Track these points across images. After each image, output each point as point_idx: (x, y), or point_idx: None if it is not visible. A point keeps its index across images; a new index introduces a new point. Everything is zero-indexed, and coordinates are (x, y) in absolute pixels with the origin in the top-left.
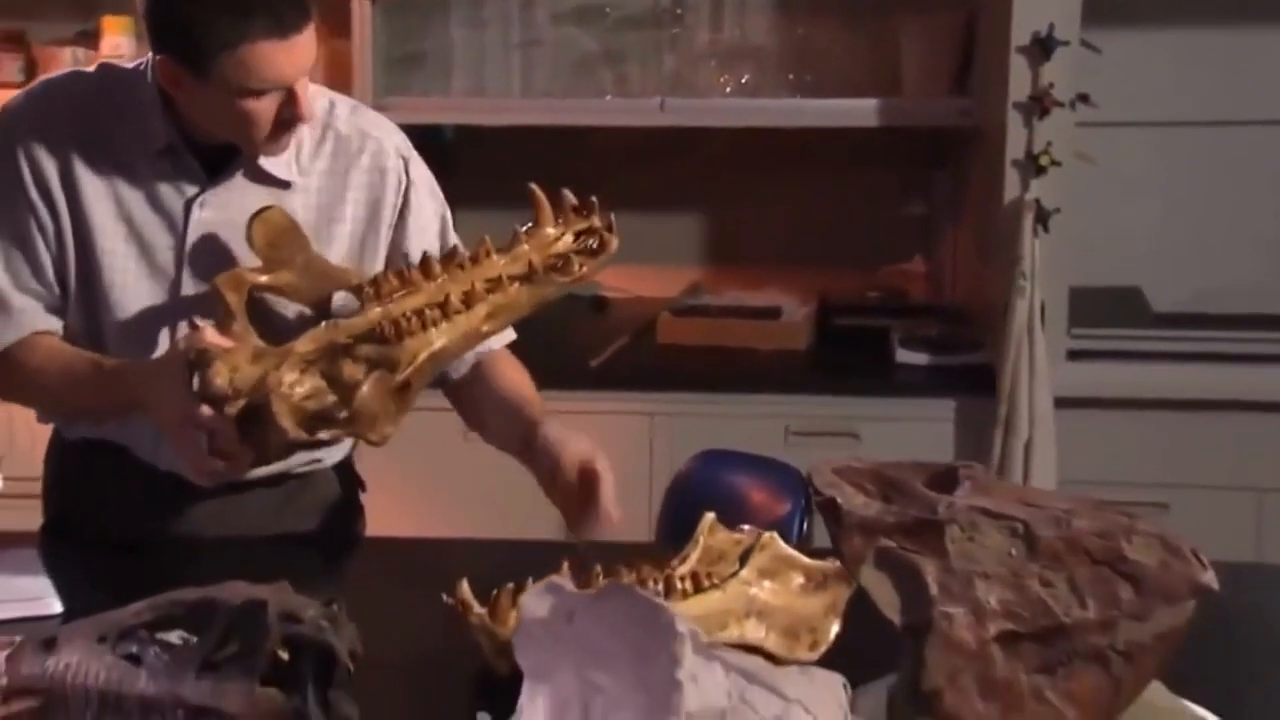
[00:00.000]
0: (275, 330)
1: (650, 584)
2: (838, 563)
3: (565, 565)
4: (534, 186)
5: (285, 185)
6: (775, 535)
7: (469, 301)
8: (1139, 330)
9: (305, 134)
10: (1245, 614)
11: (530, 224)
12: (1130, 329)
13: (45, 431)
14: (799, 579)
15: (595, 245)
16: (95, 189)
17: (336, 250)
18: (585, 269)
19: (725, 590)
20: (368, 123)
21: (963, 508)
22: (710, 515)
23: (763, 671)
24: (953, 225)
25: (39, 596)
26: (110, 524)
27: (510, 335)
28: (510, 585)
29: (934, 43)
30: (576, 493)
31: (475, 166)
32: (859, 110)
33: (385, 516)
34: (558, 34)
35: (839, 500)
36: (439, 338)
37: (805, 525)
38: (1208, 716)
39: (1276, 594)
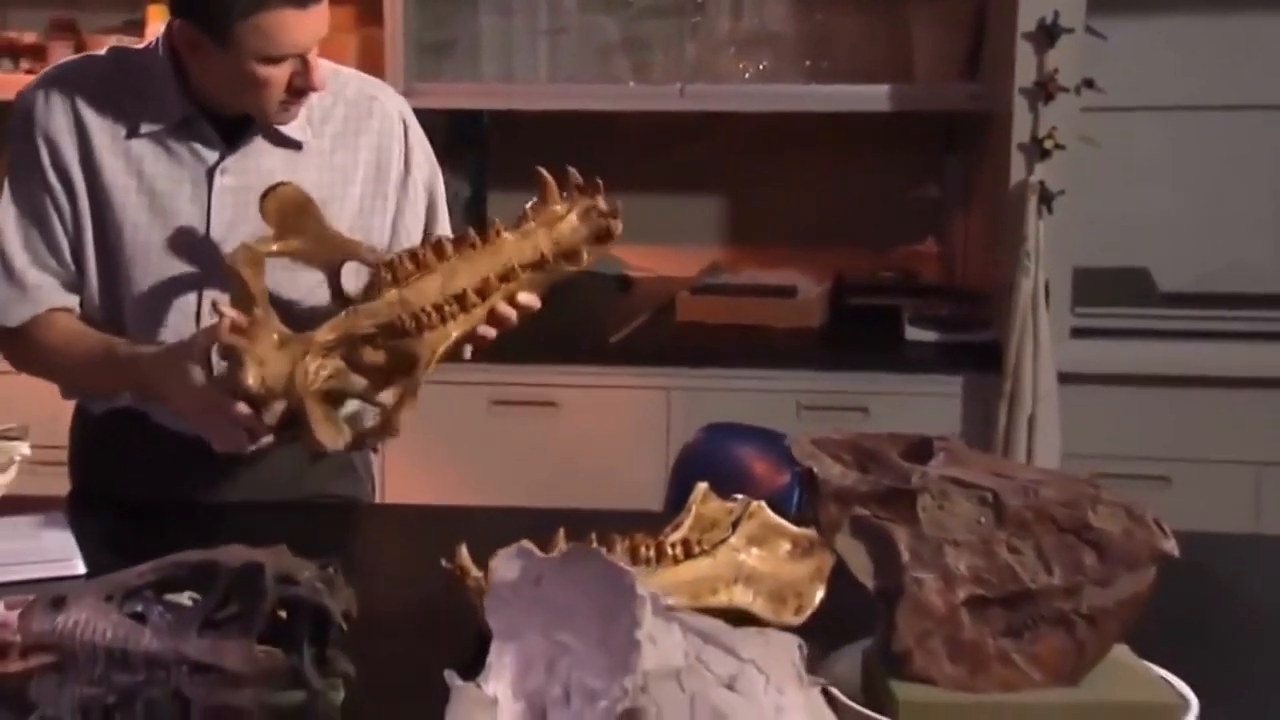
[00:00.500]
0: (290, 313)
1: (643, 550)
2: None
3: (561, 532)
4: (541, 169)
5: (298, 147)
6: (764, 504)
7: (484, 293)
8: (1142, 309)
9: (315, 99)
10: (1229, 584)
11: (536, 200)
12: (1134, 308)
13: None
14: (786, 546)
15: (601, 231)
16: (115, 166)
17: (348, 209)
18: (590, 256)
19: (715, 556)
20: (373, 88)
21: (934, 478)
22: (703, 485)
23: (719, 633)
24: (964, 207)
25: (65, 558)
26: (134, 490)
27: None
28: None
29: (945, 30)
30: None
31: (507, 149)
32: (873, 96)
33: (409, 485)
34: (583, 21)
35: (816, 470)
36: (456, 329)
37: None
38: (1171, 679)
39: (1253, 564)
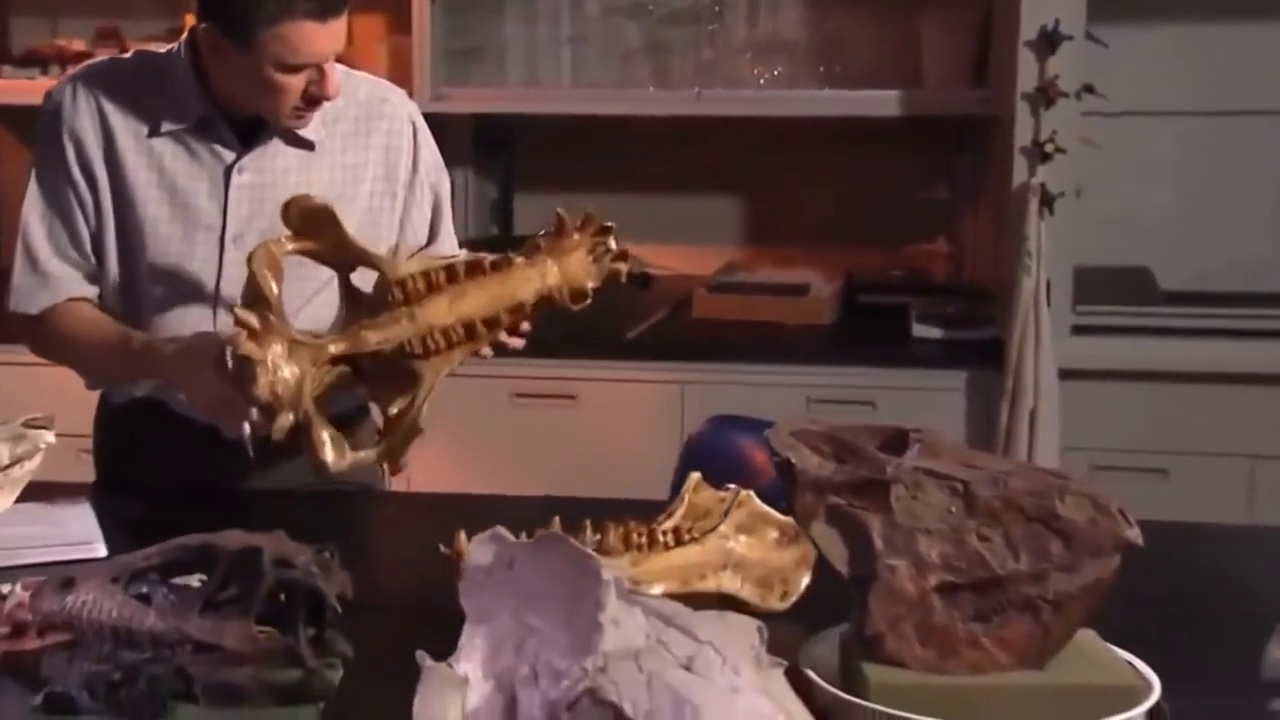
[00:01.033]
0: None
1: (635, 537)
2: None
3: (556, 520)
4: (560, 210)
5: (312, 147)
6: (753, 494)
7: (490, 324)
8: (1141, 307)
9: (328, 102)
10: (1214, 572)
11: (550, 231)
12: (1134, 306)
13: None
14: (773, 534)
15: (609, 271)
16: (137, 163)
17: (358, 206)
18: (601, 279)
19: (704, 544)
20: (384, 91)
21: (908, 468)
22: (696, 475)
23: (680, 615)
24: (973, 208)
25: (88, 541)
26: (155, 478)
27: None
28: None
29: (954, 37)
30: None
31: (533, 152)
32: (883, 100)
33: (435, 474)
34: (604, 29)
35: (793, 460)
36: (459, 354)
37: None
38: (1135, 662)
39: (1239, 553)
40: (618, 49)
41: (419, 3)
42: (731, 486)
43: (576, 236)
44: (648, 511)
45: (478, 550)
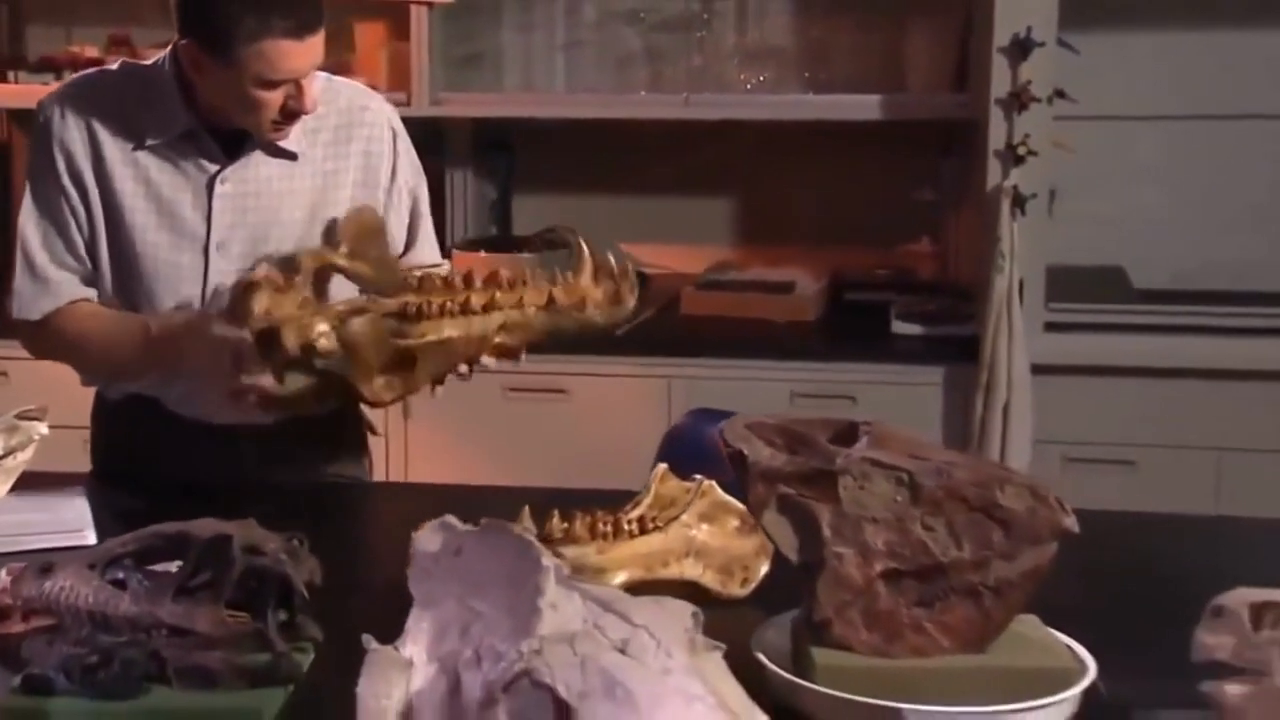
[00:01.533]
0: None
1: (600, 526)
2: None
3: (526, 510)
4: (582, 241)
5: (294, 157)
6: (715, 484)
7: (488, 308)
8: (1112, 304)
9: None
10: (1177, 562)
11: (570, 271)
12: (1104, 304)
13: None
14: (734, 522)
15: (614, 297)
16: (124, 174)
17: (339, 211)
18: (600, 317)
19: (667, 532)
20: (364, 98)
21: (856, 459)
22: (662, 465)
23: (617, 601)
24: (957, 210)
25: (78, 529)
26: (148, 471)
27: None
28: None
29: (935, 44)
30: None
31: (531, 154)
32: (867, 105)
33: (431, 466)
34: (598, 36)
35: (745, 451)
36: (450, 328)
37: None
38: (1074, 646)
39: (1173, 541)
40: (611, 55)
41: (418, 11)
42: (697, 477)
43: (589, 283)
44: (623, 501)
45: (426, 538)
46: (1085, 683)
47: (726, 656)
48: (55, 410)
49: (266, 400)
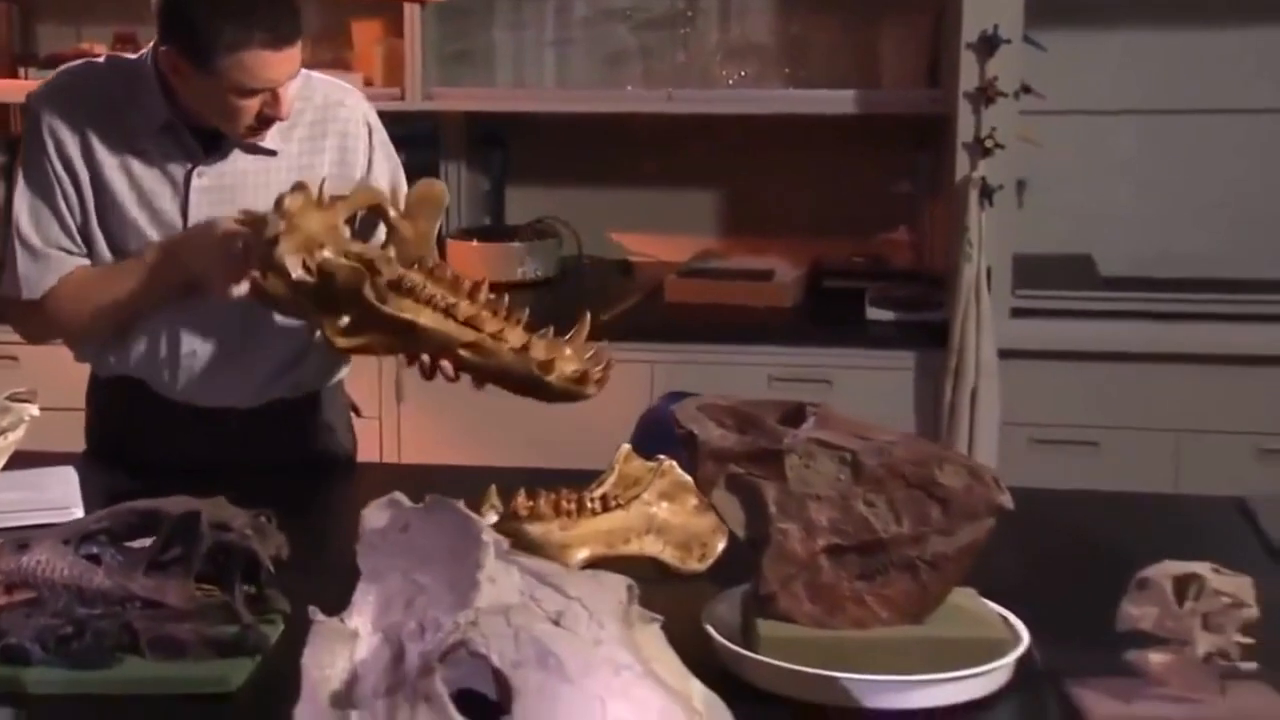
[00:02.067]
0: None
1: (564, 504)
2: None
3: (493, 488)
4: (587, 313)
5: (272, 154)
6: (675, 464)
7: (469, 323)
8: (1077, 291)
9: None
10: (1128, 539)
11: (570, 336)
12: (1069, 290)
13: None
14: (693, 501)
15: (579, 378)
16: (110, 161)
17: None
18: (557, 386)
19: (629, 510)
20: (339, 93)
21: (802, 439)
22: (626, 446)
23: (553, 575)
24: (932, 200)
25: (66, 506)
26: (138, 450)
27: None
28: None
29: (908, 41)
30: None
31: (523, 147)
32: (843, 100)
33: (424, 448)
34: (587, 33)
35: (695, 431)
36: (425, 317)
37: None
38: (1009, 617)
39: (1118, 517)
40: (598, 52)
41: (412, 9)
42: (660, 457)
43: (573, 355)
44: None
45: (374, 515)
46: (1018, 652)
47: (684, 628)
48: (64, 394)
49: (256, 290)
